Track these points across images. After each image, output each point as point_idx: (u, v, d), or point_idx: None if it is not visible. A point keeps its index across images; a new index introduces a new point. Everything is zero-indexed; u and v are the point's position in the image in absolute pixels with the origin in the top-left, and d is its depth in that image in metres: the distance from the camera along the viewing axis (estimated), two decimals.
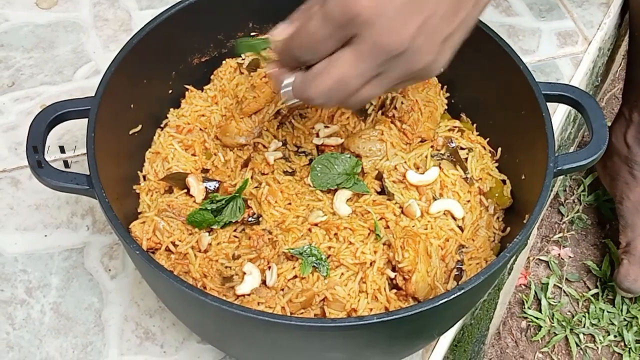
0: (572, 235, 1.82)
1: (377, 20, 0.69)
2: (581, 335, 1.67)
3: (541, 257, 1.78)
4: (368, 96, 0.75)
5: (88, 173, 0.85)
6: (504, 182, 1.00)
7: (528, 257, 1.77)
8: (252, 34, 1.09)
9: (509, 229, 0.97)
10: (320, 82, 0.74)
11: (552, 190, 1.70)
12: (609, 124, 1.93)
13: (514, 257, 1.38)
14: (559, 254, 1.79)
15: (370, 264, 0.90)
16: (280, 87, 0.80)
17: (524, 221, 0.85)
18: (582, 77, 1.32)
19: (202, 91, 1.08)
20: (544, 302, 1.70)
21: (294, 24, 0.76)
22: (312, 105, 0.99)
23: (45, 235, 1.08)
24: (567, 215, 1.84)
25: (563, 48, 1.36)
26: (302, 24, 0.74)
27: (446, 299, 0.76)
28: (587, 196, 1.86)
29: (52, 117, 0.91)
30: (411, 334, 0.87)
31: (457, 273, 0.93)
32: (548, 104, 0.93)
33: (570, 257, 1.79)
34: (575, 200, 1.87)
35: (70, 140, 1.16)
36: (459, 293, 0.77)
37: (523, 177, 0.97)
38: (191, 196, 0.97)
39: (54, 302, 1.02)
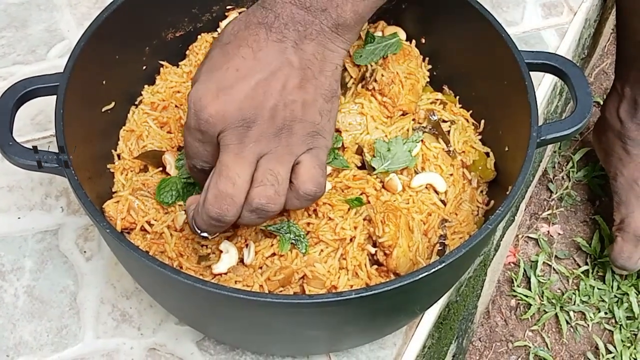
0: (562, 212, 1.80)
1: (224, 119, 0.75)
2: (571, 313, 1.65)
3: (530, 235, 1.76)
4: (266, 195, 0.76)
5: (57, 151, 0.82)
6: (487, 154, 0.98)
7: (517, 235, 1.75)
8: (228, 7, 1.06)
9: (492, 202, 0.95)
10: (211, 189, 0.77)
11: (539, 166, 1.68)
12: (600, 100, 1.91)
13: (499, 232, 1.37)
14: (548, 231, 1.77)
15: (351, 239, 0.87)
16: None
17: (507, 193, 0.83)
18: (567, 48, 1.30)
19: (177, 67, 1.05)
20: (533, 280, 1.68)
21: None
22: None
23: (19, 218, 1.05)
24: (556, 192, 1.82)
25: (548, 19, 1.34)
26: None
27: (426, 273, 0.74)
28: (577, 172, 1.84)
29: (20, 94, 0.88)
30: (392, 310, 0.84)
31: (440, 248, 0.91)
32: (533, 75, 0.90)
33: (559, 234, 1.77)
34: (564, 177, 1.85)
35: (43, 120, 1.13)
36: (439, 267, 0.74)
37: (506, 149, 0.94)
38: (167, 174, 0.95)
39: (28, 286, 1.00)
